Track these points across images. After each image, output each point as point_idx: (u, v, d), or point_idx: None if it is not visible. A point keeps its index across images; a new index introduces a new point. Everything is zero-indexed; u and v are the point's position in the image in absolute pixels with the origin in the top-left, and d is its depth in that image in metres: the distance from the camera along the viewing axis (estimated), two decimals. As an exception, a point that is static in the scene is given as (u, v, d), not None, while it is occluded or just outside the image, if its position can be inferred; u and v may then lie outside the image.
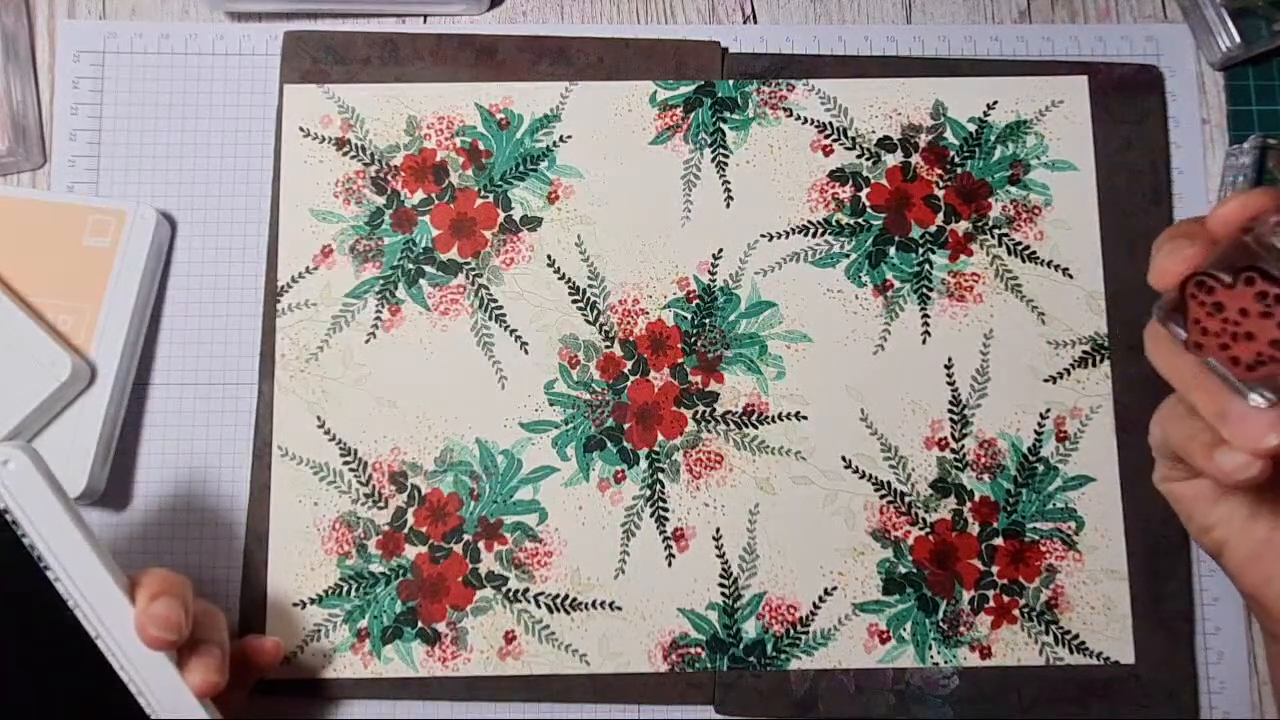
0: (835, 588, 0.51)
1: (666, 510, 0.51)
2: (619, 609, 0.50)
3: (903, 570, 0.51)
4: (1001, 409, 0.52)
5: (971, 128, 0.54)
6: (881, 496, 0.51)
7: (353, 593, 0.50)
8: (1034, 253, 0.54)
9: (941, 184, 0.54)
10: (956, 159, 0.54)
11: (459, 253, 0.53)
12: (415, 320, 0.52)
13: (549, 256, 0.53)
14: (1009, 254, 0.54)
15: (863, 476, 0.52)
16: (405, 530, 0.51)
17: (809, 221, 0.54)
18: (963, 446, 0.52)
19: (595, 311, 0.53)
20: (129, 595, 0.38)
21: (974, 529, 0.51)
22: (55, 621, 0.37)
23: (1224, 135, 0.56)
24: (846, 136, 0.54)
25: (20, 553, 0.37)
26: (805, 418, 0.52)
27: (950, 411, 0.52)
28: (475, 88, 0.54)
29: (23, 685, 0.37)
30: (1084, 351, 0.53)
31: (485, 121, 0.54)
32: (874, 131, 0.54)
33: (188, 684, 0.39)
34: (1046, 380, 0.53)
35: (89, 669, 0.38)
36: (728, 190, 0.54)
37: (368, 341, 0.52)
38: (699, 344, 0.52)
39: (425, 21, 0.56)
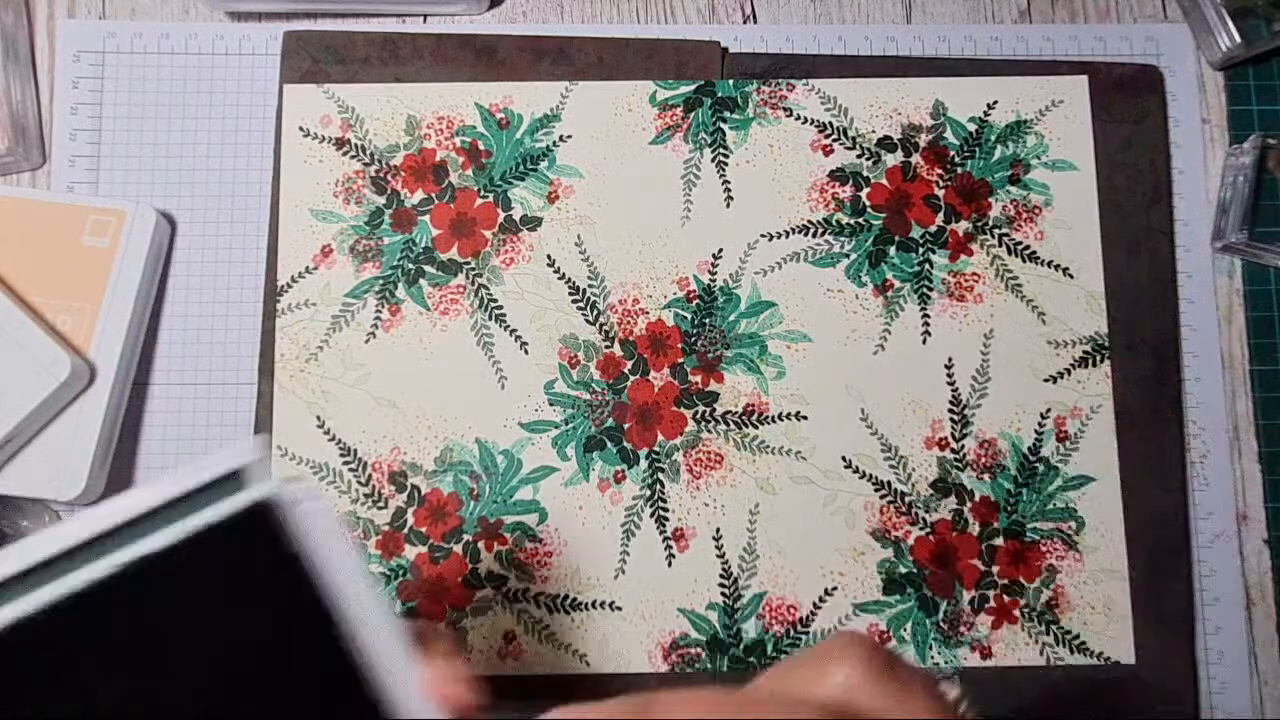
0: (835, 588, 0.51)
1: (666, 510, 0.51)
2: (619, 609, 0.50)
3: (903, 570, 0.51)
4: (1002, 409, 0.52)
5: (971, 127, 0.54)
6: (882, 496, 0.51)
7: (353, 593, 0.50)
8: (1034, 252, 0.54)
9: (942, 184, 0.54)
10: (957, 159, 0.54)
11: (459, 252, 0.53)
12: (415, 320, 0.52)
13: (549, 256, 0.53)
14: (1009, 254, 0.54)
15: (863, 476, 0.52)
16: (405, 530, 0.51)
17: (809, 221, 0.54)
18: (963, 446, 0.52)
19: (595, 311, 0.52)
20: (410, 649, 0.35)
21: (974, 529, 0.51)
22: (339, 680, 0.33)
23: (1224, 135, 0.56)
24: (846, 136, 0.54)
25: (311, 604, 0.33)
26: (805, 418, 0.52)
27: (950, 411, 0.52)
28: (475, 87, 0.54)
29: None
30: (1084, 351, 0.53)
31: (485, 121, 0.54)
32: (874, 131, 0.54)
33: None
34: (1047, 380, 0.53)
35: None
36: (728, 190, 0.54)
37: (367, 341, 0.52)
38: (699, 344, 0.52)
39: (425, 21, 0.56)
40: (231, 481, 0.32)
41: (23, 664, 0.29)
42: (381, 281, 0.53)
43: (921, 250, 0.53)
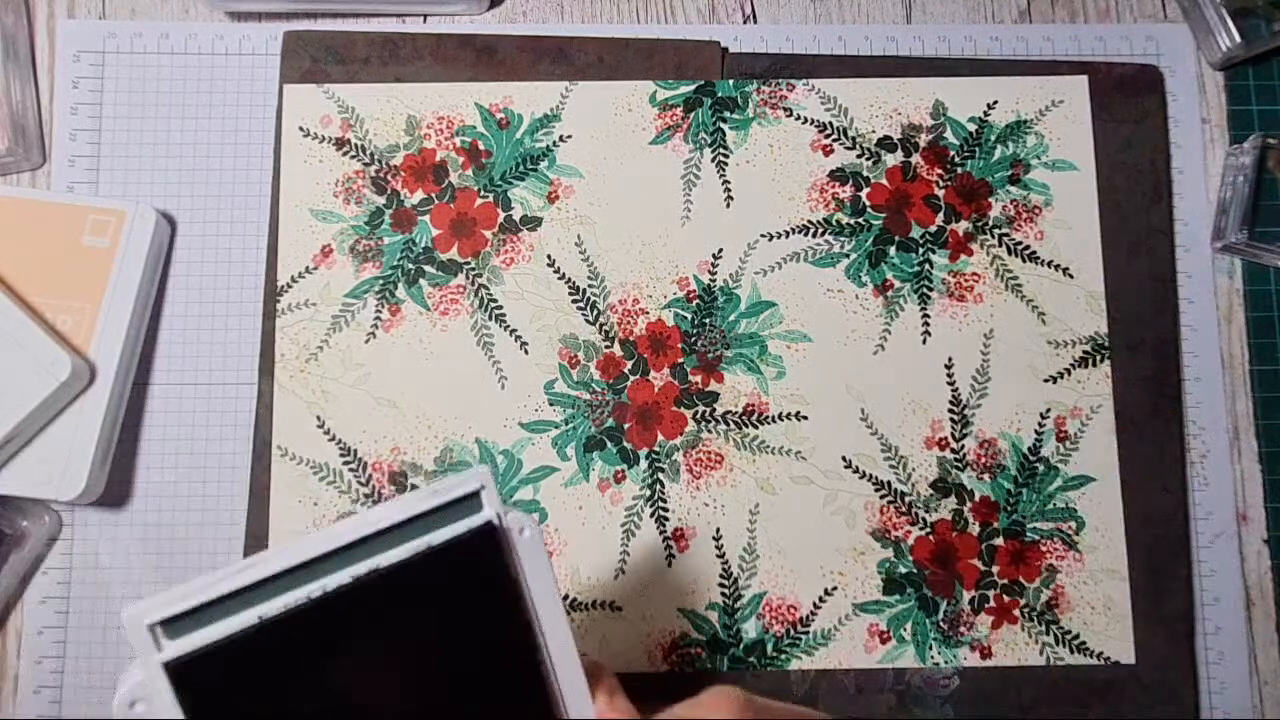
0: (835, 588, 0.51)
1: (666, 510, 0.51)
2: (619, 609, 0.50)
3: (903, 570, 0.51)
4: (1002, 409, 0.52)
5: (971, 127, 0.54)
6: (882, 496, 0.51)
7: (353, 593, 0.50)
8: (1034, 252, 0.54)
9: (941, 184, 0.54)
10: (956, 159, 0.54)
11: (459, 252, 0.53)
12: (415, 320, 0.52)
13: (549, 256, 0.53)
14: (1009, 254, 0.54)
15: (863, 476, 0.52)
16: (405, 530, 0.51)
17: (809, 221, 0.54)
18: (963, 446, 0.52)
19: (595, 311, 0.52)
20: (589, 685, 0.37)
21: (974, 529, 0.51)
22: (534, 699, 0.35)
23: (1224, 135, 0.56)
24: (846, 136, 0.54)
25: (523, 627, 0.35)
26: (805, 418, 0.52)
27: (950, 411, 0.52)
28: (475, 87, 0.54)
29: None
30: (1084, 351, 0.53)
31: (485, 121, 0.54)
32: (874, 131, 0.54)
33: None
34: (1047, 380, 0.53)
35: None
36: (728, 190, 0.54)
37: (367, 341, 0.52)
38: (699, 344, 0.52)
39: (425, 21, 0.56)
40: (468, 502, 0.34)
41: (281, 650, 0.31)
42: (381, 281, 0.53)
43: (921, 250, 0.53)
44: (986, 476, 0.52)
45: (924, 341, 0.53)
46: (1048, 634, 0.51)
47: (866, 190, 0.54)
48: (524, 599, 0.35)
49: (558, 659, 0.35)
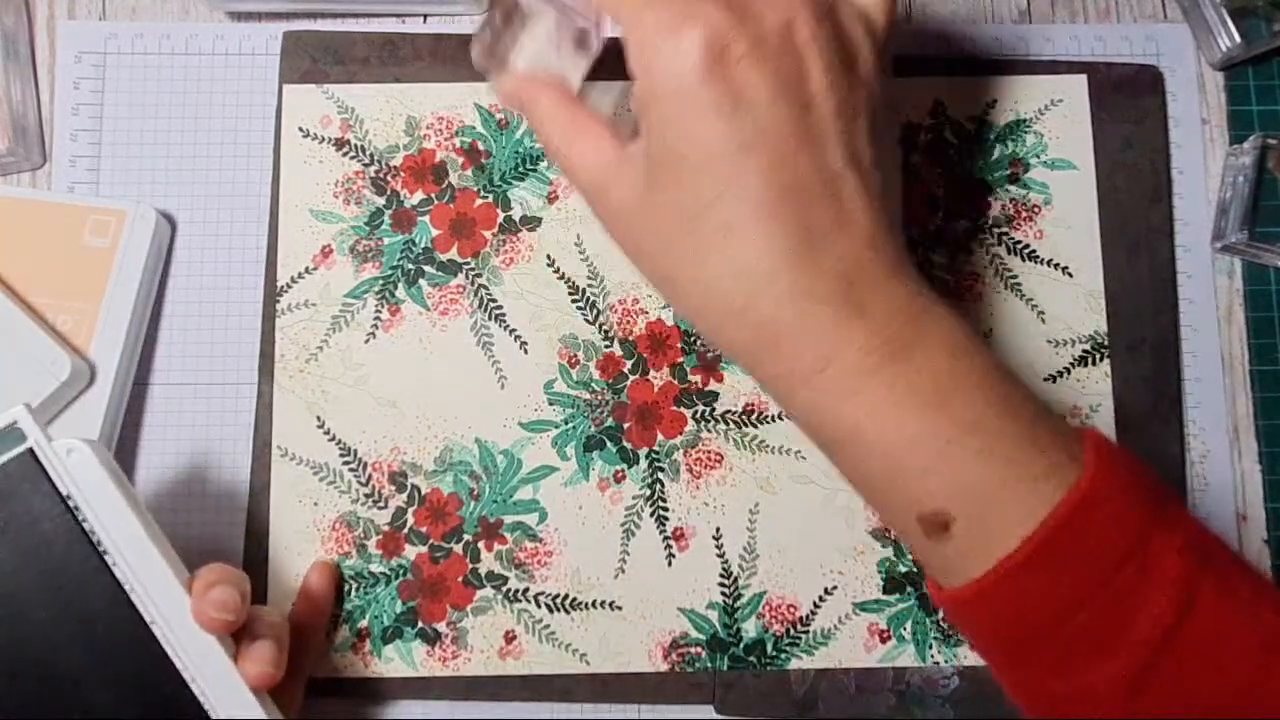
0: (835, 587, 0.51)
1: (666, 510, 0.51)
2: (619, 609, 0.50)
3: (903, 569, 0.51)
4: (1001, 408, 0.52)
5: (971, 127, 0.54)
6: (881, 496, 0.51)
7: (353, 593, 0.50)
8: (1034, 252, 0.54)
9: (941, 183, 0.54)
10: (956, 158, 0.54)
11: (458, 253, 0.53)
12: (415, 320, 0.52)
13: (548, 256, 0.53)
14: (1008, 253, 0.54)
15: (863, 476, 0.52)
16: (405, 530, 0.51)
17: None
18: (963, 446, 0.52)
19: (595, 311, 0.53)
20: (188, 588, 0.40)
21: (974, 528, 0.51)
22: (113, 606, 0.39)
23: (1224, 135, 0.56)
24: (846, 136, 0.54)
25: (82, 538, 0.39)
26: (805, 417, 0.52)
27: (950, 411, 0.52)
28: (475, 88, 0.54)
29: (82, 669, 0.39)
30: (1084, 350, 0.53)
31: (485, 122, 0.54)
32: (873, 131, 0.54)
33: (242, 674, 0.40)
34: (1046, 379, 0.53)
35: (146, 655, 0.39)
36: (727, 190, 0.54)
37: (367, 341, 0.52)
38: (699, 343, 0.52)
39: (425, 21, 0.56)
40: (11, 435, 0.39)
41: None
42: (381, 282, 0.53)
43: (921, 250, 0.53)
44: (986, 476, 0.52)
45: (923, 341, 0.53)
46: (1048, 634, 0.50)
47: (866, 190, 0.54)
48: (78, 513, 0.39)
49: (136, 565, 0.39)
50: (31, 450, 0.39)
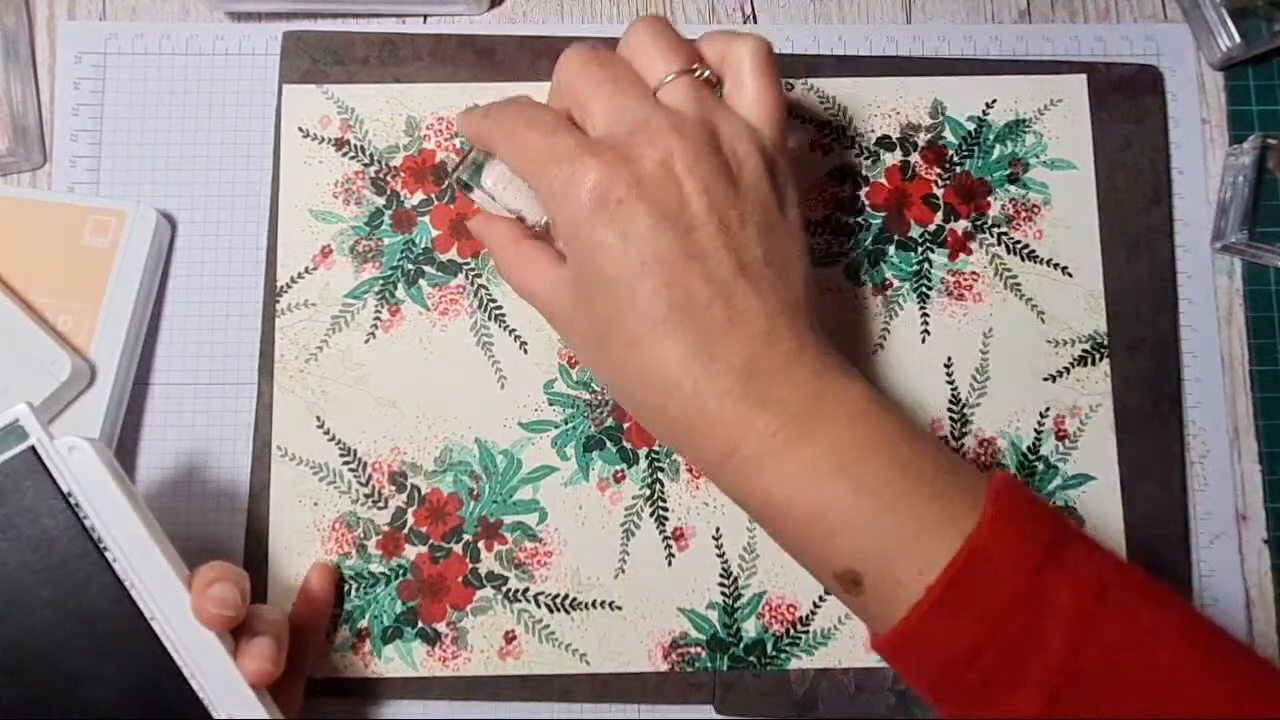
0: (835, 587, 0.51)
1: (666, 510, 0.51)
2: (619, 609, 0.50)
3: (903, 570, 0.51)
4: (1001, 408, 0.52)
5: (970, 126, 0.55)
6: (881, 496, 0.51)
7: (353, 593, 0.50)
8: (1033, 251, 0.54)
9: (940, 183, 0.54)
10: (955, 158, 0.54)
11: (458, 253, 0.53)
12: (415, 320, 0.52)
13: (548, 256, 0.53)
14: (1008, 253, 0.54)
15: (862, 476, 0.52)
16: (405, 530, 0.51)
17: (808, 220, 0.54)
18: (962, 445, 0.52)
19: (595, 311, 0.52)
20: (188, 585, 0.41)
21: (974, 528, 0.51)
22: (114, 604, 0.39)
23: (1224, 135, 0.56)
24: (845, 136, 0.54)
25: (83, 536, 0.39)
26: (805, 417, 0.52)
27: (950, 410, 0.52)
28: (475, 88, 0.54)
29: (82, 666, 0.39)
30: (1084, 350, 0.53)
31: (485, 121, 0.54)
32: (873, 131, 0.54)
33: (242, 671, 0.40)
34: (1046, 379, 0.53)
35: (146, 652, 0.40)
36: (727, 190, 0.54)
37: (367, 342, 0.52)
38: (698, 343, 0.52)
39: (425, 22, 0.56)
40: (13, 433, 0.40)
41: None
42: (381, 282, 0.53)
43: (920, 249, 0.53)
44: (986, 476, 0.52)
45: (923, 340, 0.53)
46: (1048, 633, 0.50)
47: (865, 189, 0.54)
48: (79, 510, 0.39)
49: (137, 562, 0.40)
50: (33, 448, 0.40)
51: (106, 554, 0.39)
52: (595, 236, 0.38)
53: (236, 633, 0.41)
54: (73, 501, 0.39)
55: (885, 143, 0.54)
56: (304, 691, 0.47)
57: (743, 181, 0.40)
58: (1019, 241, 0.54)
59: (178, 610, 0.40)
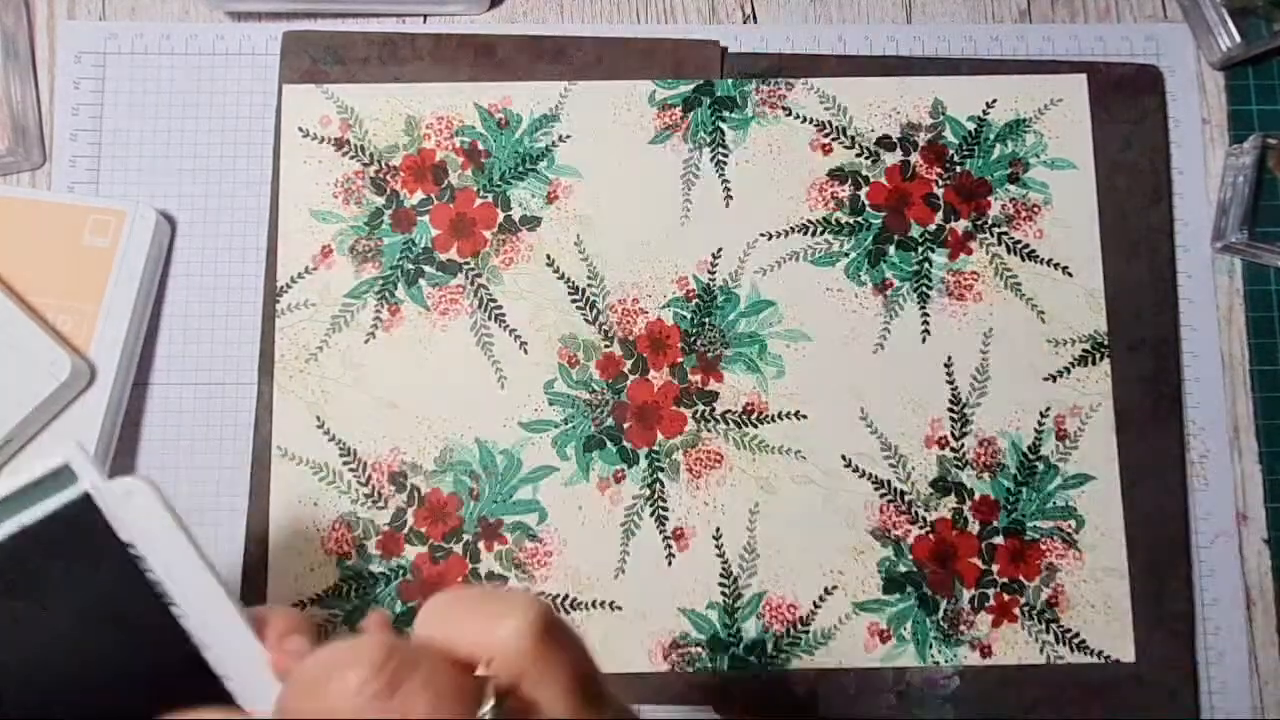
0: (835, 587, 0.51)
1: (666, 510, 0.51)
2: (619, 608, 0.50)
3: (903, 569, 0.51)
4: (1001, 407, 0.52)
5: (970, 126, 0.55)
6: (881, 495, 0.51)
7: (353, 593, 0.50)
8: (1033, 251, 0.54)
9: (941, 182, 0.54)
10: (956, 157, 0.54)
11: (458, 253, 0.53)
12: (414, 320, 0.52)
13: (548, 256, 0.53)
14: (1008, 252, 0.54)
15: (863, 475, 0.52)
16: (405, 530, 0.51)
17: (808, 220, 0.54)
18: (963, 445, 0.52)
19: (595, 311, 0.53)
20: (256, 632, 0.37)
21: (974, 528, 0.51)
22: (184, 664, 0.36)
23: (1224, 135, 0.56)
24: (846, 135, 0.54)
25: (148, 591, 0.35)
26: (805, 417, 0.52)
27: (950, 410, 0.52)
28: (474, 87, 0.54)
29: None
30: (1084, 350, 0.53)
31: (484, 121, 0.54)
32: (873, 130, 0.54)
33: None
34: (1046, 379, 0.53)
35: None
36: (727, 189, 0.54)
37: (367, 342, 0.52)
38: (698, 343, 0.52)
39: (425, 21, 0.56)
40: (63, 476, 0.35)
41: None
42: (381, 282, 0.53)
43: (921, 249, 0.53)
44: (986, 475, 0.52)
45: (923, 340, 0.53)
46: (1048, 632, 0.50)
47: (866, 189, 0.54)
48: (142, 562, 0.35)
49: (205, 614, 0.35)
50: (87, 494, 0.35)
51: (173, 610, 0.35)
52: None
53: None
54: (133, 553, 0.35)
55: (885, 143, 0.54)
56: None
57: None
58: (1019, 241, 0.54)
59: (253, 668, 0.36)
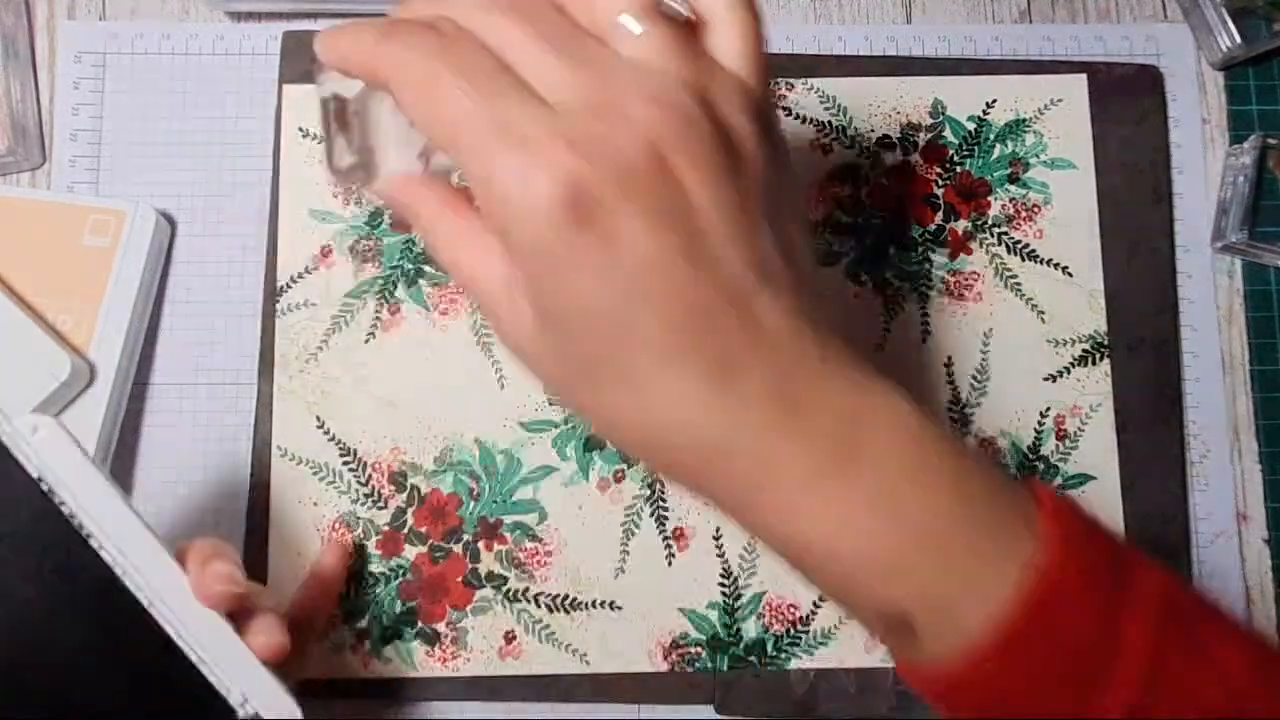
0: (835, 587, 0.51)
1: (666, 509, 0.51)
2: (619, 608, 0.50)
3: (903, 570, 0.51)
4: (1001, 408, 0.52)
5: (970, 126, 0.55)
6: (881, 496, 0.51)
7: (352, 593, 0.50)
8: (1034, 251, 0.54)
9: (941, 183, 0.54)
10: (955, 157, 0.54)
11: (459, 252, 0.53)
12: (414, 320, 0.52)
13: (549, 256, 0.53)
14: (1008, 252, 0.54)
15: (863, 476, 0.52)
16: (405, 530, 0.51)
17: (808, 220, 0.54)
18: (963, 445, 0.52)
19: (595, 311, 0.52)
20: (178, 562, 0.37)
21: (974, 528, 0.51)
22: (108, 594, 0.36)
23: (1224, 135, 0.56)
24: (846, 135, 0.54)
25: (63, 523, 0.36)
26: (805, 417, 0.52)
27: (950, 410, 0.52)
28: (475, 88, 0.54)
29: (83, 663, 0.37)
30: (1084, 350, 0.53)
31: (485, 121, 0.54)
32: (873, 130, 0.54)
33: (253, 649, 0.37)
34: (1046, 379, 0.53)
35: (149, 642, 0.36)
36: (727, 190, 0.54)
37: (367, 342, 0.52)
38: (699, 343, 0.52)
39: (425, 22, 0.56)
40: None
41: None
42: (381, 282, 0.53)
43: (921, 249, 0.53)
44: (986, 476, 0.52)
45: (923, 340, 0.53)
46: (1048, 633, 0.50)
47: (865, 189, 0.54)
48: (54, 496, 0.36)
49: (126, 547, 0.36)
50: None
51: (91, 541, 0.36)
52: (568, 255, 0.29)
53: (233, 615, 0.38)
54: (45, 488, 0.36)
55: (885, 143, 0.54)
56: (301, 682, 0.46)
57: (746, 157, 0.31)
58: (1019, 241, 0.54)
59: (176, 593, 0.36)
